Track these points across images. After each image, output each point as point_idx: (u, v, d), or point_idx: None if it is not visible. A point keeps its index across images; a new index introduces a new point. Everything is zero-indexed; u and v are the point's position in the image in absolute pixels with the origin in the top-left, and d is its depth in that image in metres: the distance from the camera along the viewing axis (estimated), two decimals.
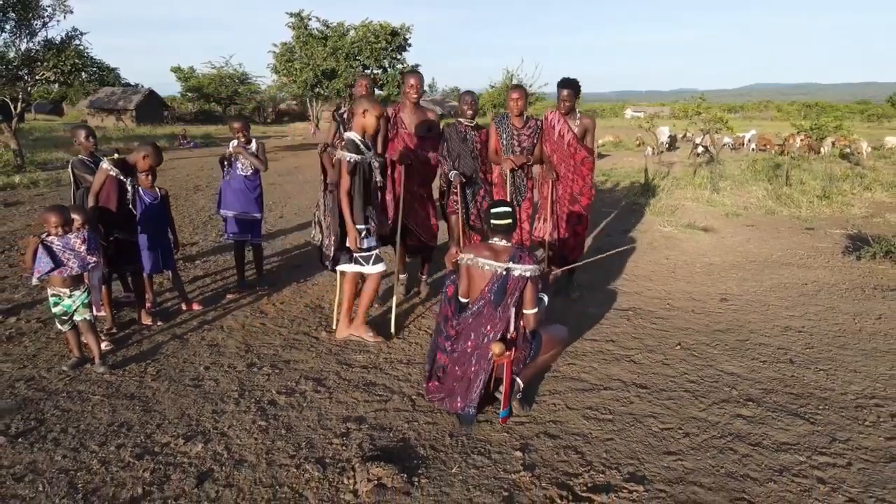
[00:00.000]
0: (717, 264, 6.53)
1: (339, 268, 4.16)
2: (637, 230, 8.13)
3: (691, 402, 3.40)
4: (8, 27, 13.58)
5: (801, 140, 17.14)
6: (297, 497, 2.55)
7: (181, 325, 4.51)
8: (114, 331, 4.30)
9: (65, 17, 14.02)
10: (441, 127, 5.00)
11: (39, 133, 25.18)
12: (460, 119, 4.89)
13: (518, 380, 3.23)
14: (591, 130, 4.98)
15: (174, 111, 43.09)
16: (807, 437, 3.03)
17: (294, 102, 46.65)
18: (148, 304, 4.61)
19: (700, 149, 16.26)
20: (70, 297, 3.59)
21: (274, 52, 25.53)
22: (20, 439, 2.95)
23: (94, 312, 3.79)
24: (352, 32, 24.60)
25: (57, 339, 4.16)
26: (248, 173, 5.11)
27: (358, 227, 3.93)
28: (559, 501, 2.52)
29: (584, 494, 2.57)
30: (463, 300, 3.23)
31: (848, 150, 18.09)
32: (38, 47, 14.12)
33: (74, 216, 3.64)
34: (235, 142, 5.09)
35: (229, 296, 5.16)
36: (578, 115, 4.89)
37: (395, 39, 24.38)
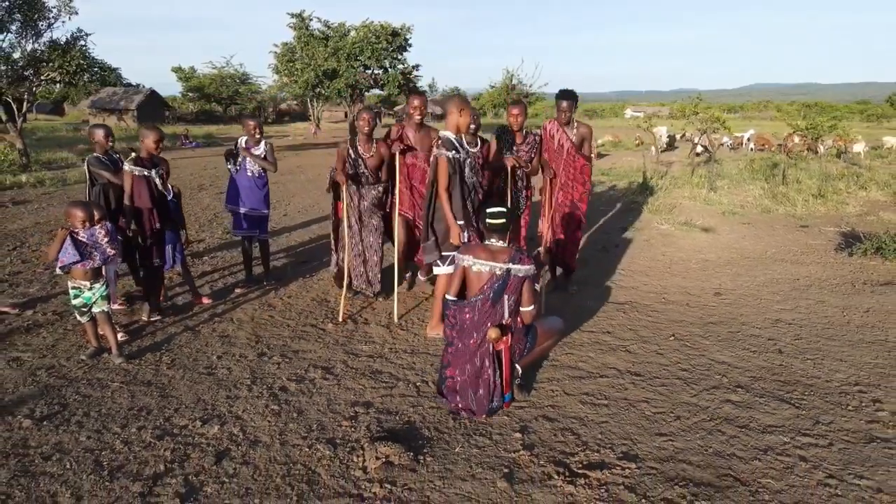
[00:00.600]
0: (712, 260, 6.69)
1: (436, 271, 4.38)
2: (635, 228, 8.29)
3: (683, 389, 3.56)
4: (14, 28, 13.74)
5: (800, 139, 17.30)
6: (310, 473, 2.71)
7: (192, 318, 4.67)
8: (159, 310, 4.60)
9: (70, 18, 14.19)
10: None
11: (42, 133, 25.36)
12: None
13: (517, 366, 3.39)
14: (589, 138, 5.16)
15: (175, 111, 43.26)
16: (791, 420, 3.19)
17: (295, 102, 46.86)
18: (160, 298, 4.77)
19: (700, 148, 16.42)
20: (90, 289, 3.75)
21: (275, 52, 25.72)
22: (45, 422, 3.11)
23: (112, 305, 3.95)
24: (353, 33, 24.79)
25: (73, 330, 4.32)
26: (257, 172, 5.25)
27: (459, 222, 4.13)
28: (556, 477, 2.68)
29: (579, 471, 2.73)
30: (450, 298, 3.32)
31: (843, 150, 18.25)
32: (43, 48, 14.28)
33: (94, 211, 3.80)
34: (244, 139, 5.23)
35: (237, 290, 5.32)
36: (576, 124, 5.07)
37: (396, 40, 24.57)
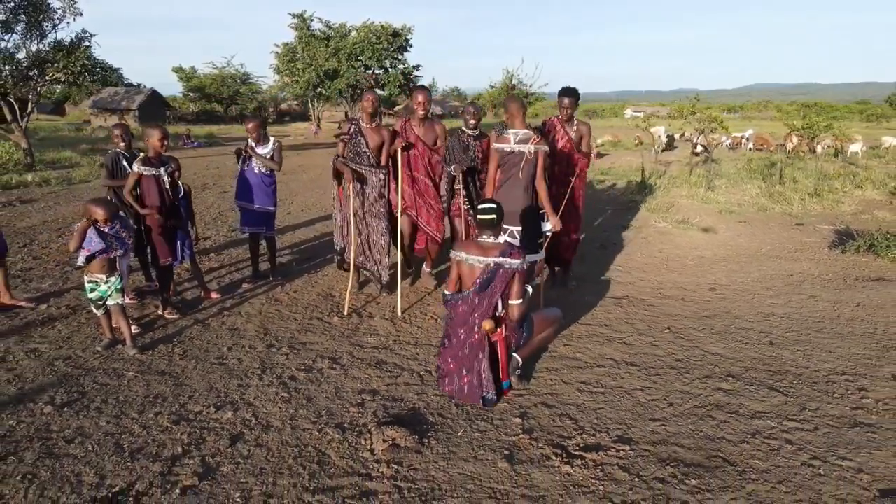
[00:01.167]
0: (708, 257, 6.84)
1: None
2: (632, 226, 8.44)
3: (676, 378, 3.70)
4: (19, 28, 13.88)
5: (798, 138, 17.46)
6: (321, 455, 2.86)
7: (202, 312, 4.81)
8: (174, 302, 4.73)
9: (74, 18, 14.33)
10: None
11: (44, 133, 25.50)
12: (463, 129, 5.22)
13: (516, 356, 3.53)
14: (587, 136, 5.30)
15: (176, 111, 43.42)
16: (779, 407, 3.33)
17: (295, 102, 47.01)
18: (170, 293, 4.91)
19: (699, 148, 16.56)
20: (106, 283, 3.89)
21: (276, 52, 25.89)
22: (65, 409, 3.26)
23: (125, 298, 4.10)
24: (353, 33, 24.96)
25: (87, 322, 4.47)
26: (264, 170, 5.40)
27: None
28: (554, 458, 2.82)
29: (576, 453, 2.88)
30: (447, 293, 3.47)
31: (839, 150, 18.40)
32: (48, 48, 14.42)
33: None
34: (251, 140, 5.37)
35: (245, 285, 5.47)
36: (576, 122, 5.22)
37: (397, 40, 24.74)
